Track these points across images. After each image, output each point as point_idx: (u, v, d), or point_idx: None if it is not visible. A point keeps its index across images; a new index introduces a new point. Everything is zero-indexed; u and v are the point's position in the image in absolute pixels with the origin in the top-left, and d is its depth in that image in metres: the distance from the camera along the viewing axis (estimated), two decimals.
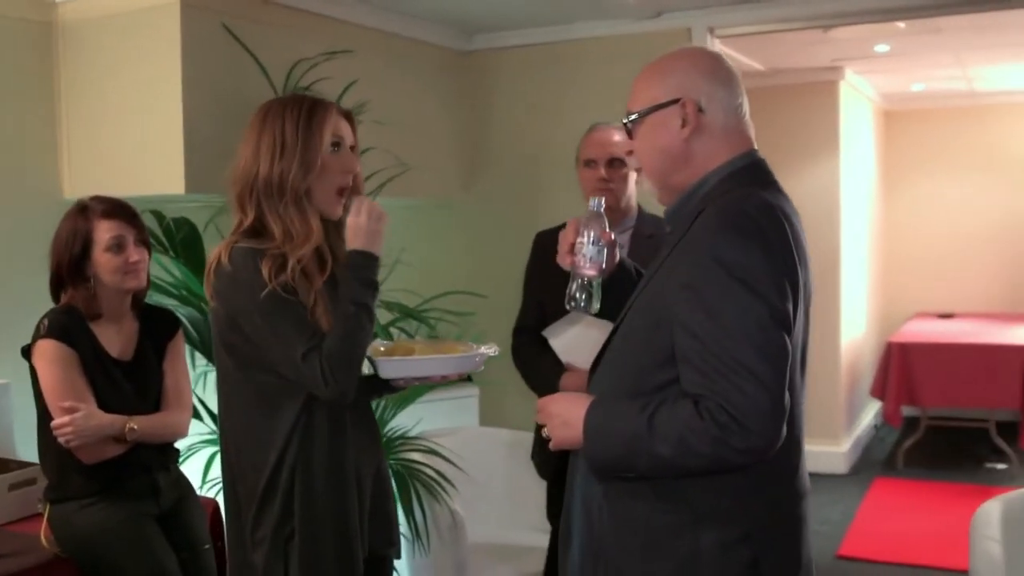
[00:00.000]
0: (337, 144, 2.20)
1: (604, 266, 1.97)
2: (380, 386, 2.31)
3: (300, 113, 2.17)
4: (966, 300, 8.07)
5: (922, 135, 8.21)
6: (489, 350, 2.39)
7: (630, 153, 1.90)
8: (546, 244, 3.09)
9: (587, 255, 1.94)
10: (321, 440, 2.15)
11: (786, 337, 1.63)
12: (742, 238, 1.64)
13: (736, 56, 5.06)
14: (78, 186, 3.42)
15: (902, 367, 6.37)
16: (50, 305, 2.69)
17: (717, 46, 4.46)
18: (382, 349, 2.30)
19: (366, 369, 2.22)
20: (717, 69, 1.82)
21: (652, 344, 1.72)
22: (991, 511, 2.81)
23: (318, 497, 2.13)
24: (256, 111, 2.22)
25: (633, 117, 1.84)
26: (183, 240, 3.21)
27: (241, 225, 2.17)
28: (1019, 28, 5.20)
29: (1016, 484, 6.07)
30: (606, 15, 4.39)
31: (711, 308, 1.62)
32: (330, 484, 2.15)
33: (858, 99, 7.23)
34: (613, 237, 2.00)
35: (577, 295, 1.95)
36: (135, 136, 3.35)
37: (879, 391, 6.45)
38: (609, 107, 4.31)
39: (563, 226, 3.08)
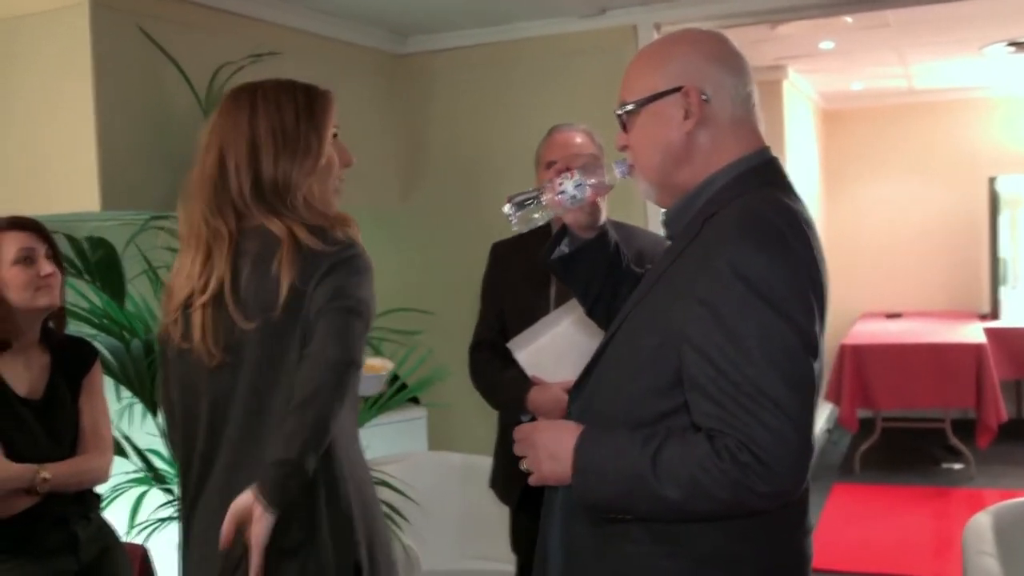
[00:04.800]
0: (335, 133, 1.99)
1: (564, 212, 1.78)
2: None
3: (298, 98, 1.93)
4: (912, 299, 8.05)
5: (862, 134, 8.19)
6: (387, 363, 2.28)
7: (624, 148, 1.67)
8: (504, 254, 2.91)
9: (563, 187, 1.73)
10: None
11: (813, 363, 1.42)
12: (766, 249, 1.41)
13: None
14: None
15: (855, 369, 6.27)
16: None
17: None
18: None
19: None
20: (724, 53, 1.60)
21: (655, 366, 1.49)
22: (982, 524, 2.66)
23: None
24: (229, 97, 1.96)
25: (629, 108, 1.61)
26: (99, 262, 2.92)
27: None
28: (961, 24, 5.16)
29: (974, 484, 6.03)
30: (547, 13, 4.19)
31: (731, 329, 1.39)
32: None
33: (800, 99, 7.15)
34: (599, 205, 1.81)
35: (517, 200, 1.75)
36: (43, 149, 3.05)
37: (834, 395, 6.34)
38: (553, 108, 4.17)
39: (521, 235, 2.92)
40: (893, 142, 8.06)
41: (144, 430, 3.18)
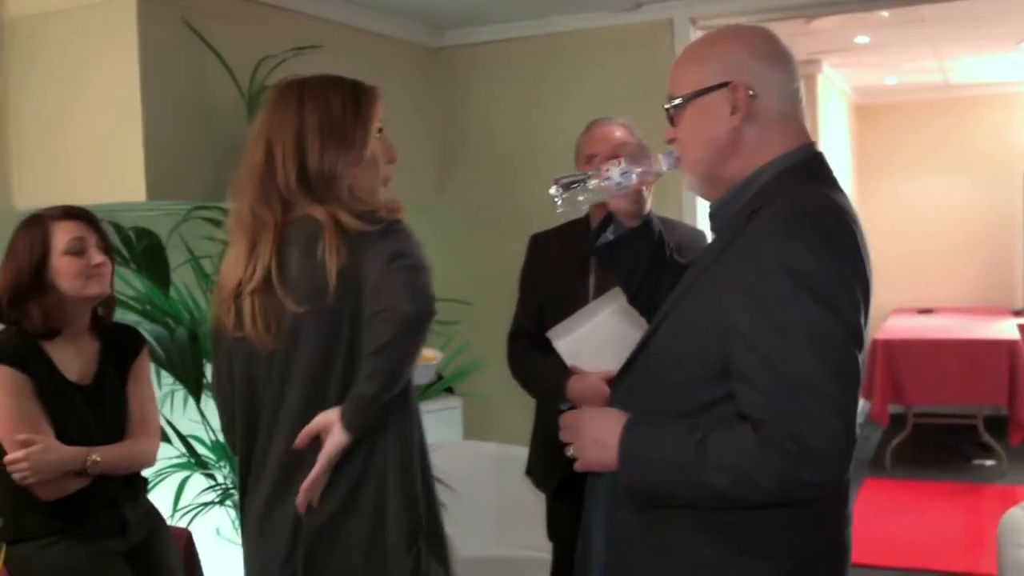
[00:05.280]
0: (380, 128, 2.04)
1: (608, 198, 1.83)
2: None
3: (345, 91, 1.98)
4: (944, 295, 8.01)
5: (896, 129, 8.15)
6: (437, 353, 2.37)
7: (671, 142, 1.70)
8: (543, 245, 2.96)
9: (609, 174, 1.77)
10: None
11: (858, 355, 1.44)
12: (812, 243, 1.44)
13: None
14: (29, 195, 3.19)
15: (887, 364, 6.26)
16: None
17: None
18: None
19: None
20: (771, 50, 1.62)
21: (701, 356, 1.52)
22: (1018, 518, 2.69)
23: None
24: (277, 91, 2.01)
25: (676, 102, 1.64)
26: (144, 251, 2.99)
27: None
28: (998, 18, 5.14)
29: (1006, 481, 6.01)
30: (583, 8, 4.23)
31: (778, 321, 1.42)
32: None
33: (834, 93, 7.13)
34: (644, 194, 1.86)
35: (563, 182, 1.80)
36: (91, 140, 3.11)
37: (865, 390, 6.32)
38: (589, 102, 4.20)
39: (560, 227, 2.97)
40: (927, 137, 8.02)
41: (186, 416, 3.24)
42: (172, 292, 3.16)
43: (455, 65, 4.57)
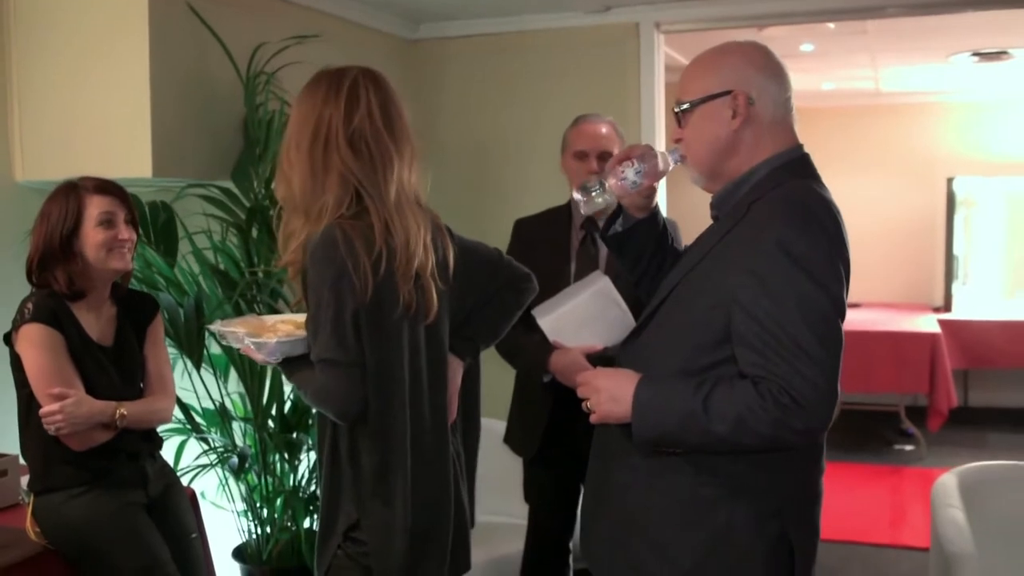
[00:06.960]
0: None
1: (622, 198, 2.07)
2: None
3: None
4: (870, 291, 8.38)
5: (828, 132, 8.49)
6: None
7: (678, 141, 1.95)
8: (527, 230, 3.16)
9: (624, 175, 2.00)
10: None
11: (841, 324, 1.71)
12: (807, 230, 1.71)
13: (671, 54, 5.18)
14: (32, 168, 3.31)
15: None
16: (7, 289, 2.59)
17: (662, 42, 4.57)
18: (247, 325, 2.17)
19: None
20: (768, 63, 1.88)
21: (706, 325, 1.77)
22: (948, 483, 2.99)
23: None
24: (383, 79, 2.25)
25: (684, 106, 1.89)
26: (160, 226, 3.13)
27: None
28: (933, 33, 5.49)
29: (924, 464, 6.42)
30: (555, 8, 4.45)
31: (776, 295, 1.68)
32: None
33: None
34: (655, 188, 2.10)
35: (587, 187, 2.05)
36: (96, 117, 3.24)
37: None
38: (559, 97, 4.44)
39: (543, 213, 3.19)
40: (856, 141, 8.36)
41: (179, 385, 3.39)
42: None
43: (429, 58, 4.76)
